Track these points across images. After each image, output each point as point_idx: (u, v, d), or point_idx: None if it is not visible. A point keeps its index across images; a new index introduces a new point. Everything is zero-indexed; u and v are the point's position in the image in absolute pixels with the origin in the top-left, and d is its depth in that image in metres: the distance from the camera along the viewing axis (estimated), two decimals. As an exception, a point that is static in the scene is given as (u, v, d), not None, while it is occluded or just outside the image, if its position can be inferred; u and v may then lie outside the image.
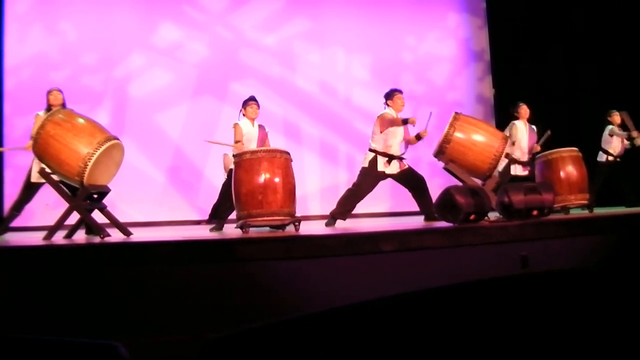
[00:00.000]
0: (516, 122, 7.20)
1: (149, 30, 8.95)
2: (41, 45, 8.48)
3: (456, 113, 6.11)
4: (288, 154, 5.40)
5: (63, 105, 6.08)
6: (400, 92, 6.45)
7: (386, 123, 6.23)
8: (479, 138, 5.97)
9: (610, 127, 7.73)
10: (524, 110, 7.24)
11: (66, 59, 8.57)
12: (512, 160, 7.04)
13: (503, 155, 6.15)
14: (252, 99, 6.32)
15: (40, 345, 1.07)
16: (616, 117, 7.71)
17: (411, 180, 6.31)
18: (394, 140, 6.24)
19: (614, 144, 7.72)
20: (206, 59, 9.11)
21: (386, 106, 6.41)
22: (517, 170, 7.08)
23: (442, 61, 10.21)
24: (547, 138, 7.01)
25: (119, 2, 8.86)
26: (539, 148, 7.03)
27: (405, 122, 6.20)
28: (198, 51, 9.10)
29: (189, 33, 9.10)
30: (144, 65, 8.87)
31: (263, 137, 6.21)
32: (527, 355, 1.14)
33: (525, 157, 7.11)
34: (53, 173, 5.09)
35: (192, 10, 9.17)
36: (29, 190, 6.15)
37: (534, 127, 7.26)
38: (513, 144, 7.03)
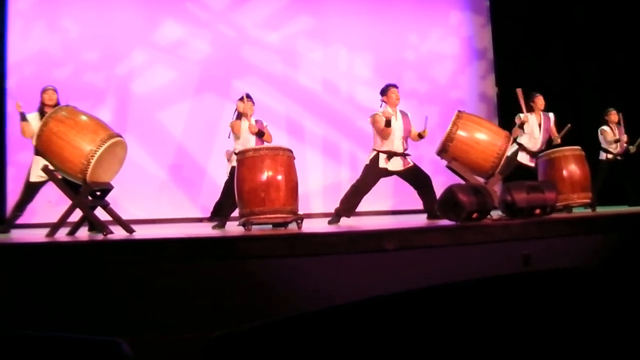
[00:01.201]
0: (527, 114, 7.06)
1: (152, 28, 8.95)
2: (44, 43, 8.49)
3: (459, 111, 6.11)
4: (291, 151, 5.40)
5: (58, 104, 6.07)
6: (394, 86, 6.38)
7: (376, 128, 6.23)
8: (482, 136, 5.96)
9: (601, 128, 7.75)
10: (540, 100, 7.06)
11: (69, 56, 8.57)
12: (521, 147, 6.86)
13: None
14: (247, 96, 6.35)
15: (43, 341, 1.08)
16: (613, 116, 7.71)
17: (417, 178, 6.30)
18: (392, 137, 6.20)
19: (608, 141, 7.73)
20: (209, 56, 9.11)
21: (382, 103, 6.38)
22: (523, 158, 6.89)
23: (444, 59, 10.20)
24: (567, 131, 6.93)
25: (122, -1, 8.87)
26: (559, 140, 6.92)
27: (388, 124, 6.09)
28: (200, 49, 9.10)
29: (192, 30, 9.10)
30: (147, 62, 8.87)
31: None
32: (529, 353, 1.14)
33: (536, 147, 6.92)
34: (56, 170, 5.10)
35: (194, 8, 9.17)
36: (30, 190, 6.15)
37: (550, 114, 7.12)
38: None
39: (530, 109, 7.04)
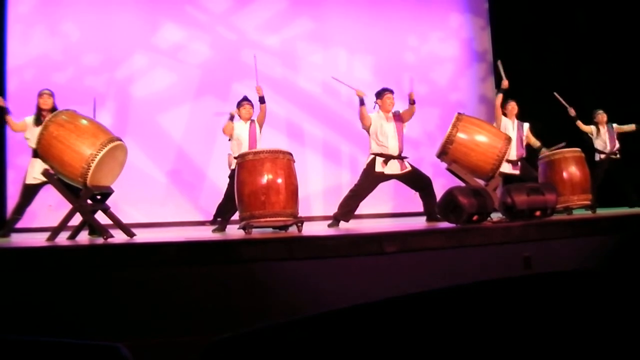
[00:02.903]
0: (502, 119, 7.13)
1: (152, 31, 8.97)
2: (44, 46, 8.50)
3: (459, 114, 6.11)
4: (291, 154, 5.40)
5: (54, 108, 6.09)
6: (390, 91, 6.37)
7: (361, 119, 6.31)
8: (482, 139, 5.97)
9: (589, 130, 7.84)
10: (512, 106, 7.13)
11: (69, 60, 8.59)
12: None
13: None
14: (245, 99, 6.45)
15: (43, 346, 1.08)
16: (600, 117, 7.77)
17: (417, 180, 6.29)
18: (386, 139, 6.20)
19: (601, 141, 7.78)
20: (209, 59, 9.12)
21: (376, 105, 6.39)
22: (505, 168, 6.85)
23: (444, 62, 10.21)
24: (559, 148, 6.94)
25: (122, 2, 8.87)
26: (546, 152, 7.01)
27: (361, 102, 6.28)
28: (200, 52, 9.11)
29: (192, 34, 9.11)
30: (147, 66, 8.88)
31: (254, 135, 6.26)
32: (531, 356, 1.14)
33: (513, 156, 6.92)
34: (56, 174, 5.10)
35: (194, 11, 9.18)
36: (27, 192, 6.17)
37: (525, 124, 7.17)
38: None
39: (504, 115, 7.12)
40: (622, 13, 8.94)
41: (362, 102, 6.30)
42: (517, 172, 6.96)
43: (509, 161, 6.92)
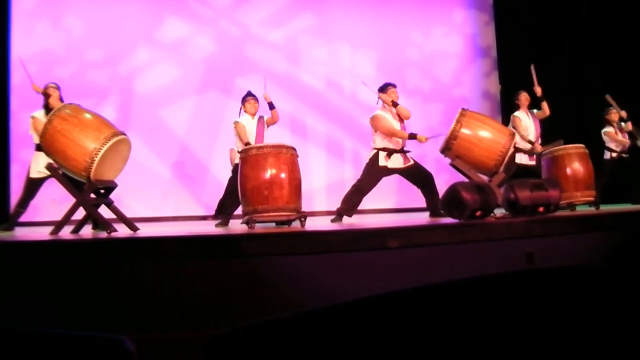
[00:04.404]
0: (517, 113, 7.17)
1: (155, 26, 8.96)
2: (47, 41, 8.51)
3: (462, 109, 6.09)
4: (294, 149, 5.40)
5: (60, 101, 6.10)
6: (394, 86, 6.39)
7: (383, 129, 6.20)
8: (486, 134, 5.95)
9: (604, 129, 7.84)
10: (525, 97, 7.21)
11: (72, 55, 8.59)
12: (517, 149, 6.89)
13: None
14: (250, 94, 6.51)
15: (47, 339, 1.08)
16: (613, 115, 7.75)
17: (418, 176, 6.29)
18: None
19: (617, 140, 7.77)
20: (212, 54, 9.12)
21: (379, 100, 6.38)
22: (522, 159, 7.01)
23: (448, 57, 10.19)
24: (556, 145, 6.93)
25: (125, -3, 8.88)
26: (540, 149, 7.01)
27: (412, 137, 6.21)
28: (204, 47, 9.10)
29: (195, 28, 9.11)
30: (150, 60, 8.88)
31: (261, 130, 6.29)
32: (533, 352, 1.14)
33: (531, 145, 7.01)
34: (60, 168, 5.11)
35: (197, 6, 9.17)
36: (31, 186, 6.19)
37: (534, 110, 7.24)
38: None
39: (516, 108, 7.14)
40: (626, 10, 8.90)
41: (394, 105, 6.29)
42: (533, 162, 7.01)
43: (526, 152, 6.97)
